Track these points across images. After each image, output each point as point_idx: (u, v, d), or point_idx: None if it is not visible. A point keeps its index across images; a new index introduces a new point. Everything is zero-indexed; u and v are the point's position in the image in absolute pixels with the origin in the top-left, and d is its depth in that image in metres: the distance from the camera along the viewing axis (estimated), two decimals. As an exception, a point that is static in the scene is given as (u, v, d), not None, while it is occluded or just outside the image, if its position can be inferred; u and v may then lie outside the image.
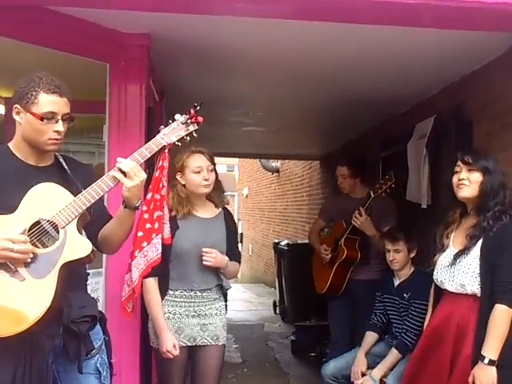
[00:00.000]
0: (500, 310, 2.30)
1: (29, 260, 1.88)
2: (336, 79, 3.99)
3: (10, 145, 2.05)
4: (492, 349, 2.29)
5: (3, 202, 1.91)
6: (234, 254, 2.89)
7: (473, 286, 2.40)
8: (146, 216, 2.32)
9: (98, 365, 2.12)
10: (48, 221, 1.93)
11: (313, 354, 5.40)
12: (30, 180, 1.96)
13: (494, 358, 2.28)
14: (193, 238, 2.74)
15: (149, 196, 2.32)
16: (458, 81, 3.81)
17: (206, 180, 2.74)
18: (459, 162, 2.51)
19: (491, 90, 3.42)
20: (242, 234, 16.31)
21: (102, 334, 2.16)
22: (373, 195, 3.76)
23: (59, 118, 1.97)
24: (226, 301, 2.95)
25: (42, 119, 1.94)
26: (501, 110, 3.30)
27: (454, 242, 2.55)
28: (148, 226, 2.33)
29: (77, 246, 1.96)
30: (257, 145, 7.99)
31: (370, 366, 3.34)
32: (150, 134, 3.25)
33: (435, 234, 2.69)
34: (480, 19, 2.63)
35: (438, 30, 2.82)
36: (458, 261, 2.45)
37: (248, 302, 10.02)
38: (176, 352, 2.62)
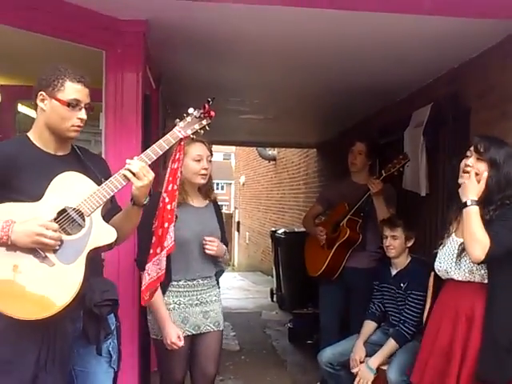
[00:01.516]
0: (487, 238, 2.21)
1: (57, 247, 1.94)
2: (333, 67, 3.97)
3: (30, 134, 2.10)
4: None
5: (28, 191, 1.97)
6: (225, 243, 2.93)
7: (482, 269, 2.32)
8: (169, 207, 2.36)
9: (111, 348, 2.19)
10: (74, 209, 1.99)
11: (310, 342, 5.41)
12: (52, 169, 2.02)
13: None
14: (192, 227, 2.74)
15: (170, 187, 2.35)
16: (456, 68, 3.79)
17: (204, 169, 2.75)
18: (472, 147, 2.39)
19: (489, 78, 3.41)
20: (238, 222, 16.32)
21: (115, 320, 2.22)
22: (384, 174, 3.75)
23: (83, 106, 2.05)
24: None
25: (68, 105, 2.01)
26: (500, 97, 3.29)
27: (458, 231, 2.46)
28: (169, 216, 2.37)
29: (103, 232, 2.04)
30: (254, 133, 7.98)
31: (368, 354, 3.35)
32: (147, 121, 3.25)
33: (430, 221, 2.62)
34: (477, 6, 2.63)
35: (436, 17, 2.81)
36: (464, 252, 2.34)
37: (245, 290, 10.04)
38: (181, 343, 2.64)
